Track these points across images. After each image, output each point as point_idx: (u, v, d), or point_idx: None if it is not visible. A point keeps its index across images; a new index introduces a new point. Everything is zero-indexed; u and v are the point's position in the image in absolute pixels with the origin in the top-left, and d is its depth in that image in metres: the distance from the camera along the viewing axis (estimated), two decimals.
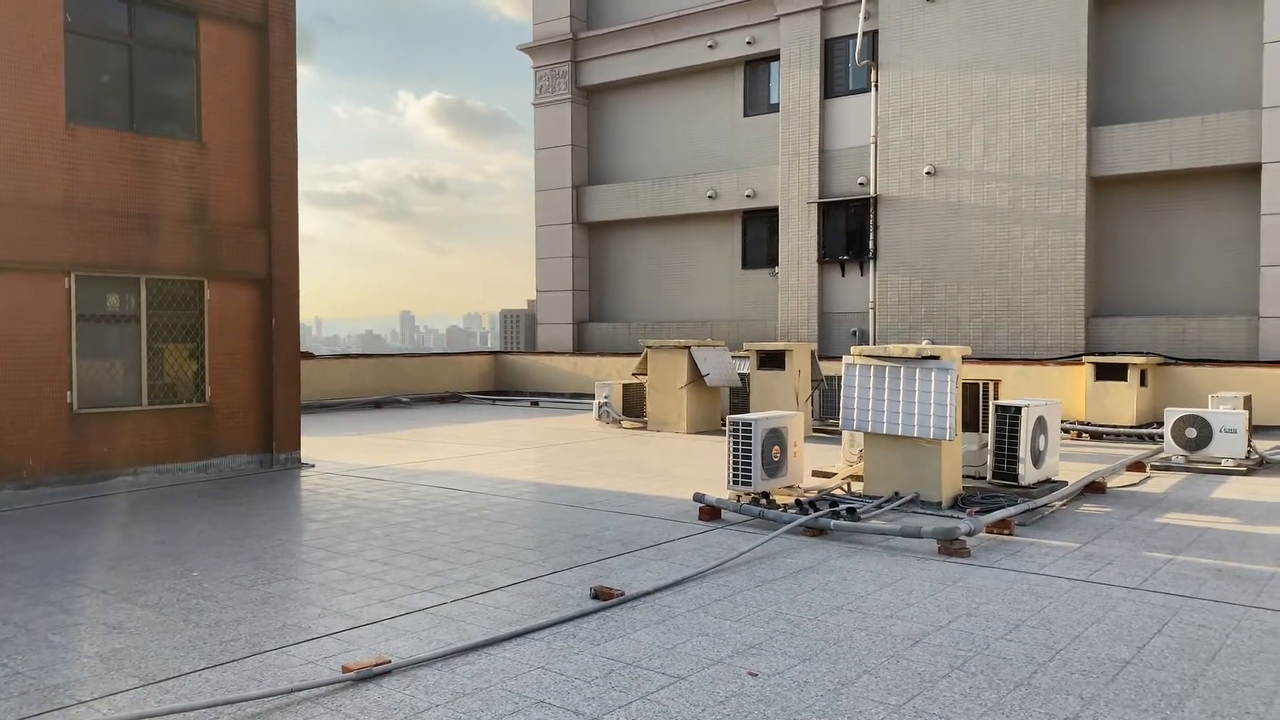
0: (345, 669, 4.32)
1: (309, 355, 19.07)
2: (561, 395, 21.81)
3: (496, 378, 23.45)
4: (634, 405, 15.95)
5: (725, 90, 23.20)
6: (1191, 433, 10.92)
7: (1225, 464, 10.72)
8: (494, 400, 21.51)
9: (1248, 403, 12.12)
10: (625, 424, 15.77)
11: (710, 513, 7.92)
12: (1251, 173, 16.81)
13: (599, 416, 16.11)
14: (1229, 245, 17.35)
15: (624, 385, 16.16)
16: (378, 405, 19.91)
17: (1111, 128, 17.91)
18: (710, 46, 22.73)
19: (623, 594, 5.55)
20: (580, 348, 24.98)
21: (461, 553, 6.77)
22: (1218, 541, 7.11)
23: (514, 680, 4.29)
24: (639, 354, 16.34)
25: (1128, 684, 4.23)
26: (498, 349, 30.31)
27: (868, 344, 20.01)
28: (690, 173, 23.50)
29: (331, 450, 12.66)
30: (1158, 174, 17.66)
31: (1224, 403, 12.04)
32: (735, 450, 8.37)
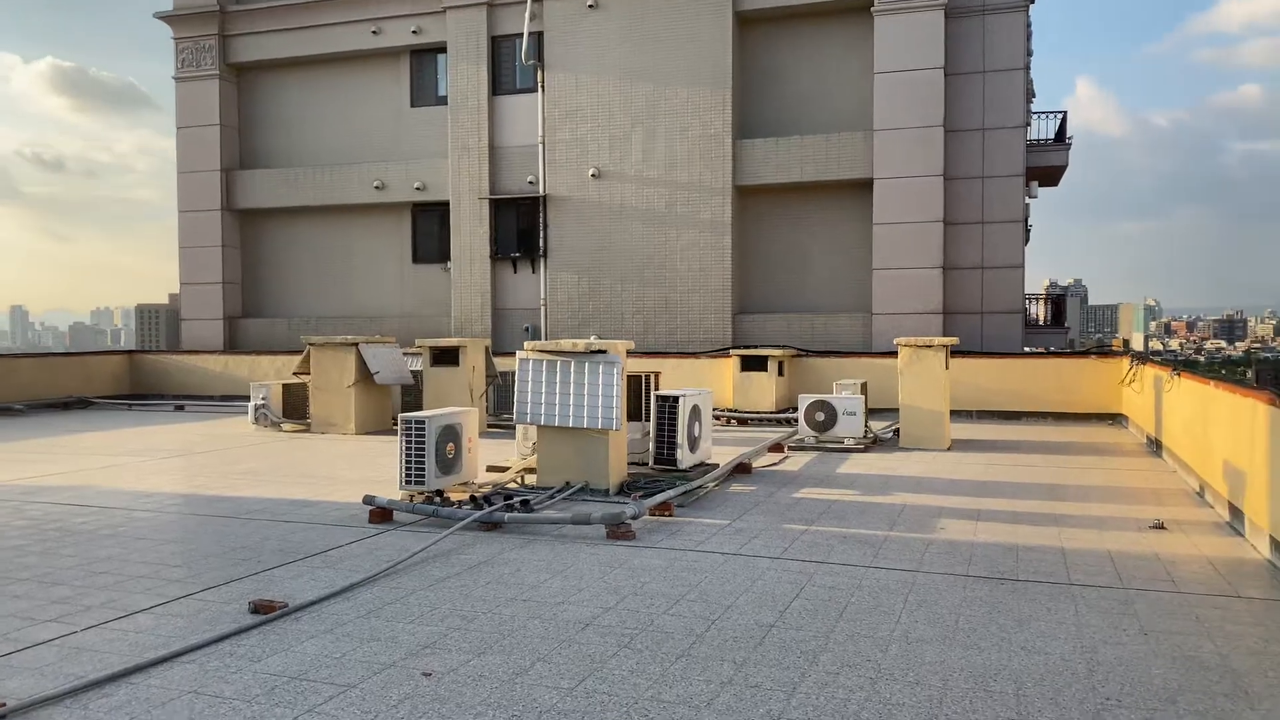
0: None
1: None
2: (211, 398, 20.09)
3: (133, 380, 21.09)
4: (296, 406, 15.06)
5: (391, 79, 22.57)
6: (820, 416, 12.28)
7: (847, 443, 12.17)
8: (130, 405, 19.34)
9: (864, 389, 13.82)
10: (286, 427, 14.85)
11: (381, 515, 7.68)
12: (866, 187, 19.22)
13: (256, 420, 15.02)
14: (849, 250, 19.72)
15: (284, 385, 15.19)
16: None
17: (753, 141, 19.66)
18: (374, 33, 22.00)
19: (285, 605, 5.22)
20: (233, 346, 23.16)
21: (93, 575, 6.01)
22: (843, 511, 8.06)
23: (160, 709, 3.88)
24: (301, 352, 15.46)
25: (773, 645, 4.67)
26: (134, 348, 27.25)
27: (540, 339, 20.42)
28: (356, 161, 22.61)
29: None
30: (791, 185, 19.66)
31: (845, 389, 13.66)
32: (408, 449, 8.18)
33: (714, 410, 15.63)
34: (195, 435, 14.21)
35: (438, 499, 8.06)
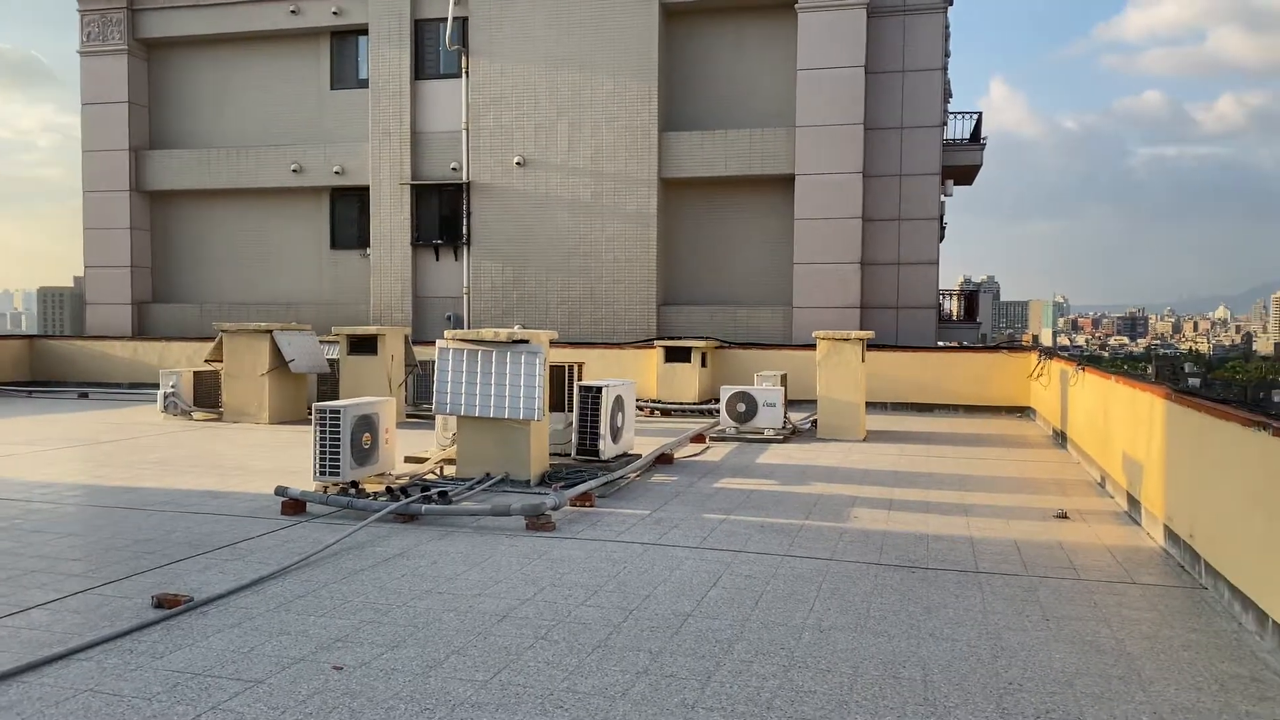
0: None
1: None
2: (119, 386, 19.38)
3: (34, 366, 20.22)
4: (207, 395, 14.62)
5: (311, 60, 22.01)
6: (741, 407, 12.40)
7: (767, 433, 12.33)
8: (30, 393, 18.54)
9: (784, 380, 14.01)
10: (197, 415, 14.40)
11: (294, 506, 7.50)
12: (788, 182, 19.44)
13: (165, 408, 14.54)
14: (771, 244, 19.94)
15: (196, 373, 14.74)
16: None
17: (679, 133, 19.73)
18: (293, 12, 21.42)
19: (191, 599, 5.07)
20: (142, 331, 22.36)
21: None
22: (761, 501, 8.15)
23: (54, 709, 3.73)
24: (213, 338, 15.00)
25: (690, 634, 4.70)
26: (36, 332, 26.11)
27: (462, 328, 20.18)
28: (273, 144, 21.99)
29: None
30: (716, 179, 19.78)
31: (766, 381, 13.82)
32: (322, 439, 8.01)
33: (637, 401, 15.66)
34: (100, 424, 13.68)
35: (353, 490, 7.92)
